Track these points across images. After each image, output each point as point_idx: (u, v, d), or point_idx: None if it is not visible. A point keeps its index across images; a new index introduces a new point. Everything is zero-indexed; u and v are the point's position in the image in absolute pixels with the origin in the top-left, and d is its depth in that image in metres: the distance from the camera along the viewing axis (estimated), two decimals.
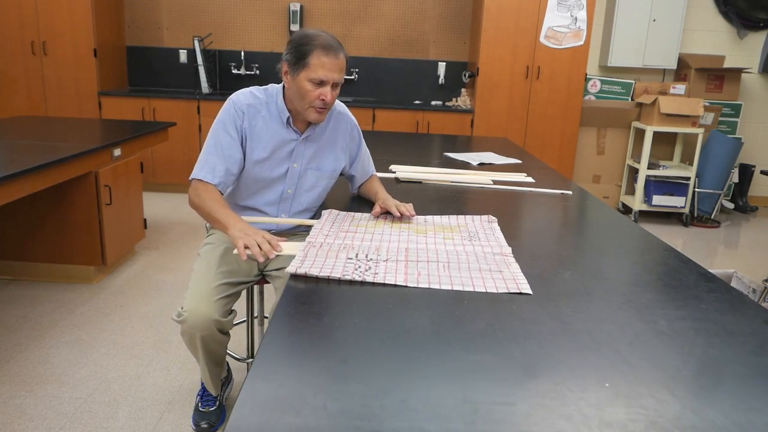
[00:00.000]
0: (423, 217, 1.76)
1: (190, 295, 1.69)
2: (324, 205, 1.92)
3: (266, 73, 5.44)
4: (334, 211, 1.78)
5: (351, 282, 1.23)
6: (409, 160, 2.68)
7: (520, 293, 1.21)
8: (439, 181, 2.28)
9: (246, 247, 1.43)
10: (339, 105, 1.92)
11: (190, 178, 1.75)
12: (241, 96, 1.78)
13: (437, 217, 1.76)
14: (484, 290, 1.23)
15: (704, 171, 4.97)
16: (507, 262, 1.40)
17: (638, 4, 5.08)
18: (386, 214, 1.76)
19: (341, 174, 2.00)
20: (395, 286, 1.22)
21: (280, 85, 1.81)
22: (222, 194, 1.74)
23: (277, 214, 1.88)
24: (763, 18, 5.30)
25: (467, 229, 1.65)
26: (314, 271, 1.27)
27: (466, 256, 1.43)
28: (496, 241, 1.55)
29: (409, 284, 1.24)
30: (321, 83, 1.65)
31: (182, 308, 1.67)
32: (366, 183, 2.03)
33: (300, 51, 1.65)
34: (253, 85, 1.86)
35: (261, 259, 1.41)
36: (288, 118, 1.78)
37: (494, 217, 1.76)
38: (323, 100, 1.67)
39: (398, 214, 1.71)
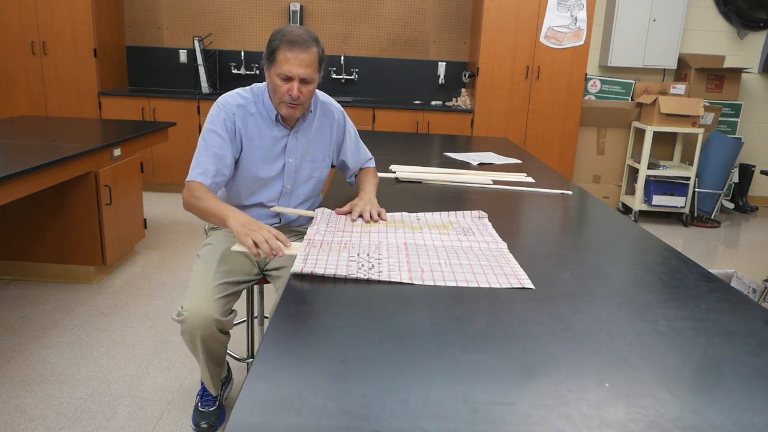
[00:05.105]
0: (415, 214, 1.75)
1: (190, 294, 1.69)
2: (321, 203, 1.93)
3: None
4: (327, 210, 1.75)
5: (353, 281, 1.22)
6: (409, 160, 2.68)
7: (523, 288, 1.22)
8: (439, 181, 2.28)
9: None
10: (322, 95, 1.94)
11: (185, 181, 1.75)
12: (228, 98, 1.80)
13: (428, 215, 1.76)
14: (488, 285, 1.23)
15: (704, 171, 4.97)
16: (506, 258, 1.41)
17: (638, 4, 5.08)
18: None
19: (332, 166, 2.01)
20: (400, 283, 1.22)
21: (264, 83, 1.83)
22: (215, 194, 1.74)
23: None
24: (763, 18, 5.30)
25: (460, 226, 1.66)
26: (319, 270, 1.26)
27: (464, 253, 1.43)
28: (490, 236, 1.57)
29: (414, 281, 1.23)
30: (288, 78, 1.68)
31: (182, 308, 1.67)
32: (360, 174, 2.03)
33: (270, 47, 1.69)
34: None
35: (271, 257, 1.41)
36: (277, 116, 1.80)
37: (484, 213, 1.77)
38: (290, 95, 1.69)
39: (355, 218, 1.66)
